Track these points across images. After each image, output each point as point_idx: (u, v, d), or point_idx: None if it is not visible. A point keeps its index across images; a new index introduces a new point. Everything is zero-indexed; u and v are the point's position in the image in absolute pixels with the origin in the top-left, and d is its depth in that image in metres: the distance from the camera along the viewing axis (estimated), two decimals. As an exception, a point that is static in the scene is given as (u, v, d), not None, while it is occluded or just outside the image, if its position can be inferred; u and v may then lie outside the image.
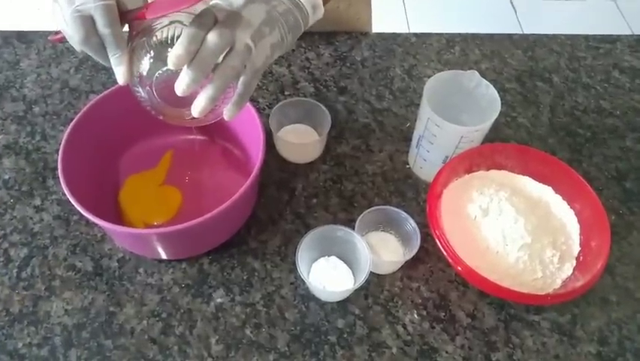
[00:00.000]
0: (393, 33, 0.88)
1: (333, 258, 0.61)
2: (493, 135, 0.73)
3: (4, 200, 0.66)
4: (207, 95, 0.46)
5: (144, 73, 0.48)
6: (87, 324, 0.57)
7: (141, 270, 0.61)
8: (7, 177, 0.68)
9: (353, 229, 0.59)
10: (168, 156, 0.70)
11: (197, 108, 0.46)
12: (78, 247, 0.63)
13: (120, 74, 0.46)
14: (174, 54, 0.43)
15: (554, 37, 0.90)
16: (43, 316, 0.58)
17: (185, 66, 0.44)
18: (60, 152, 0.56)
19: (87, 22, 0.44)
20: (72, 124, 0.59)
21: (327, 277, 0.59)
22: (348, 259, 0.61)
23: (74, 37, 0.45)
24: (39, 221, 0.65)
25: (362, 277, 0.55)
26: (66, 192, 0.54)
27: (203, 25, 0.45)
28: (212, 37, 0.44)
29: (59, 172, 0.55)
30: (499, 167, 0.65)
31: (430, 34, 0.88)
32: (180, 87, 0.45)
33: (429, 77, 0.63)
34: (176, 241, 0.59)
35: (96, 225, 0.64)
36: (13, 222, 0.64)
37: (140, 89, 0.49)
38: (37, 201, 0.66)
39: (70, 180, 0.55)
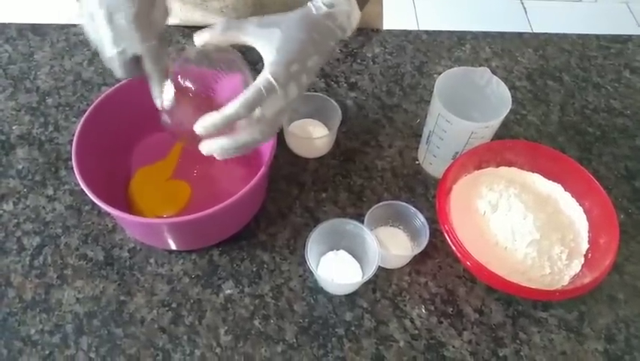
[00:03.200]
0: (404, 30, 0.89)
1: (342, 251, 0.61)
2: (503, 133, 0.73)
3: (17, 190, 0.67)
4: (221, 146, 0.49)
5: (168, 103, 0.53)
6: (98, 312, 0.58)
7: (152, 260, 0.62)
8: (20, 167, 0.69)
9: (362, 223, 0.59)
10: (178, 149, 0.71)
11: (206, 149, 0.50)
12: (90, 236, 0.63)
13: (159, 102, 0.52)
14: (207, 124, 0.48)
15: (565, 36, 0.89)
16: (55, 303, 0.59)
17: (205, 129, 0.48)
18: (74, 143, 0.57)
19: (132, 62, 0.50)
20: (85, 116, 0.60)
21: (336, 270, 0.60)
22: (357, 253, 0.61)
23: (117, 72, 0.51)
24: (52, 211, 0.65)
25: (370, 271, 0.56)
26: (80, 181, 0.54)
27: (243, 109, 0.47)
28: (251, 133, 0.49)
29: (73, 162, 0.56)
30: (509, 164, 0.65)
31: (440, 32, 0.88)
32: (206, 150, 0.50)
33: (439, 73, 0.64)
34: (186, 231, 0.59)
35: (108, 215, 0.65)
36: (26, 212, 0.65)
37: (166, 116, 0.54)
38: (50, 191, 0.67)
39: (84, 171, 0.55)
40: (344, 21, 0.53)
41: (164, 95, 0.52)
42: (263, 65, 0.49)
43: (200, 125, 0.48)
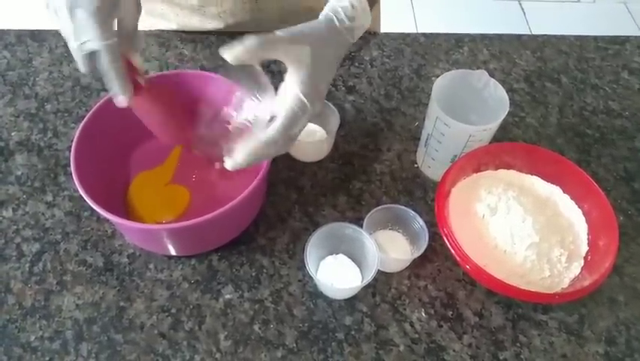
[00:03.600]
0: (402, 33, 0.89)
1: (341, 255, 0.61)
2: (502, 135, 0.73)
3: (16, 196, 0.67)
4: (248, 163, 0.50)
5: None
6: (98, 318, 0.58)
7: (151, 266, 0.62)
8: (19, 173, 0.69)
9: (361, 227, 0.59)
10: (176, 154, 0.71)
11: (231, 166, 0.51)
12: (89, 242, 0.64)
13: (120, 102, 0.51)
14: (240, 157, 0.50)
15: (563, 38, 0.90)
16: (54, 310, 0.58)
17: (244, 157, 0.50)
18: (73, 149, 0.57)
19: (93, 57, 0.49)
20: (84, 122, 0.60)
21: (335, 274, 0.60)
22: (356, 257, 0.61)
23: (80, 66, 0.50)
24: (51, 217, 0.65)
25: (370, 275, 0.56)
26: (79, 188, 0.54)
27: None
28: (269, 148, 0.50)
29: (72, 169, 0.56)
30: (508, 166, 0.65)
31: (438, 35, 0.89)
32: (231, 165, 0.51)
33: (437, 76, 0.64)
34: (185, 237, 0.59)
35: (107, 221, 0.65)
36: (26, 218, 0.65)
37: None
38: (49, 197, 0.67)
39: (83, 177, 0.56)
40: (359, 34, 0.55)
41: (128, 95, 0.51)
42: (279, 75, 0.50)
43: (244, 154, 0.50)
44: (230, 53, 0.46)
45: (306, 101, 0.49)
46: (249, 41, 0.46)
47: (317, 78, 0.50)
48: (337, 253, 0.62)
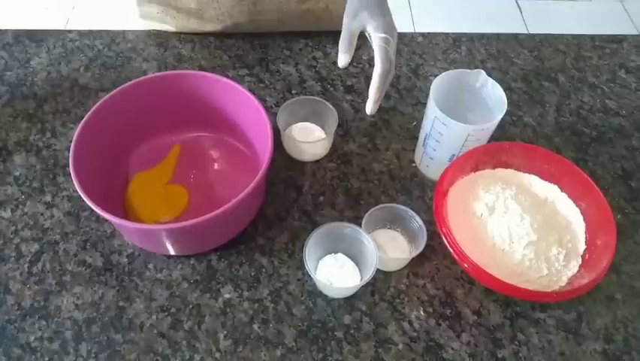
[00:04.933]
0: (400, 32, 0.88)
1: (340, 255, 0.62)
2: (499, 134, 0.73)
3: (15, 196, 0.67)
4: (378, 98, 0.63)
5: None
6: (97, 319, 0.58)
7: (150, 266, 0.62)
8: (18, 173, 0.69)
9: (360, 226, 0.60)
10: (175, 152, 0.71)
11: (372, 107, 0.63)
12: (88, 242, 0.64)
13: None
14: (374, 95, 0.62)
15: (560, 37, 0.90)
16: (54, 310, 0.59)
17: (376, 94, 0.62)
18: (71, 149, 0.57)
19: None
20: (83, 122, 0.60)
21: (334, 273, 0.60)
22: (355, 256, 0.61)
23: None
24: (50, 217, 0.65)
25: (369, 274, 0.56)
26: (78, 188, 0.54)
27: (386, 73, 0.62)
28: (389, 78, 0.64)
29: (71, 169, 0.56)
30: (506, 165, 0.65)
31: (436, 34, 0.89)
32: (371, 109, 0.63)
33: (435, 76, 0.64)
34: (185, 237, 0.60)
35: (106, 221, 0.65)
36: (25, 218, 0.65)
37: None
38: (48, 198, 0.67)
39: (81, 177, 0.56)
40: None
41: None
42: None
43: (374, 102, 0.63)
44: (342, 62, 0.63)
45: (384, 35, 0.62)
46: (342, 46, 0.63)
47: (379, 17, 0.63)
48: (336, 253, 0.62)
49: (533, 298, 0.58)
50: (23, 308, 0.59)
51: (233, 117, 0.69)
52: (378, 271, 0.61)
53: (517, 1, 2.22)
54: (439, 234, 0.57)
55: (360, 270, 0.61)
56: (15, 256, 0.62)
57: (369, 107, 0.63)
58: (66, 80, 0.80)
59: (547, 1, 2.22)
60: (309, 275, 0.59)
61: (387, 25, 0.63)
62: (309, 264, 0.56)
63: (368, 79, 0.81)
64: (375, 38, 0.62)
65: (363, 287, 0.60)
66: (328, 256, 0.61)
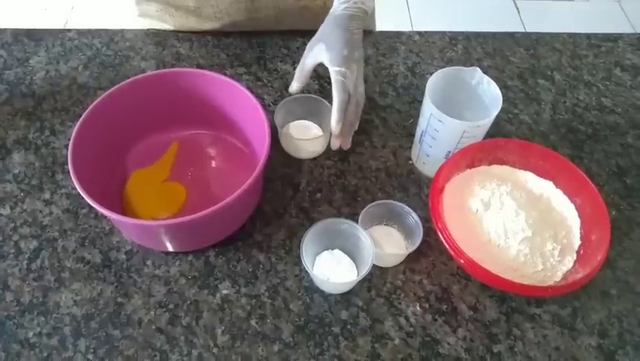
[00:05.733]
0: (397, 31, 0.89)
1: (337, 251, 0.62)
2: (495, 132, 0.74)
3: (14, 194, 0.68)
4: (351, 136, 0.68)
5: None
6: (96, 315, 0.59)
7: (149, 262, 0.62)
8: (17, 171, 0.70)
9: (356, 222, 0.60)
10: (173, 149, 0.71)
11: (347, 145, 0.68)
12: (87, 239, 0.64)
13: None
14: (335, 127, 0.64)
15: (556, 35, 0.90)
16: (52, 306, 0.59)
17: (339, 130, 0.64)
18: (70, 147, 0.58)
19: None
20: (81, 120, 0.60)
21: (331, 269, 0.60)
22: (352, 252, 0.62)
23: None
24: (48, 214, 0.66)
25: (365, 270, 0.56)
26: (76, 185, 0.55)
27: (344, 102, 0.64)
28: (352, 109, 0.65)
29: (69, 166, 0.56)
30: (501, 162, 0.65)
31: (433, 33, 0.89)
32: (335, 144, 0.67)
33: (432, 74, 0.64)
34: (182, 233, 0.60)
35: (104, 218, 0.65)
36: (23, 216, 0.66)
37: None
38: (47, 195, 0.67)
39: (80, 175, 0.56)
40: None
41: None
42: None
43: (335, 137, 0.66)
44: (293, 88, 0.70)
45: (337, 68, 0.64)
46: (296, 74, 0.69)
47: (335, 51, 0.64)
48: (333, 249, 0.62)
49: (528, 293, 0.58)
50: (22, 304, 0.59)
51: (230, 115, 0.69)
52: (374, 266, 0.62)
53: (514, 1, 2.22)
54: (435, 230, 0.57)
55: (356, 266, 0.61)
56: (14, 253, 0.63)
57: (333, 143, 0.66)
58: (65, 79, 0.80)
59: (545, 1, 2.23)
60: (307, 271, 0.59)
61: (343, 58, 0.64)
62: (306, 260, 0.57)
63: (365, 77, 0.81)
64: (331, 72, 0.64)
65: (360, 283, 0.61)
66: (325, 252, 0.62)
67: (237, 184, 0.56)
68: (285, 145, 0.72)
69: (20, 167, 0.70)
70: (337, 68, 0.64)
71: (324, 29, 0.68)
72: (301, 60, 0.69)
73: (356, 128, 0.68)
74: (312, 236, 0.59)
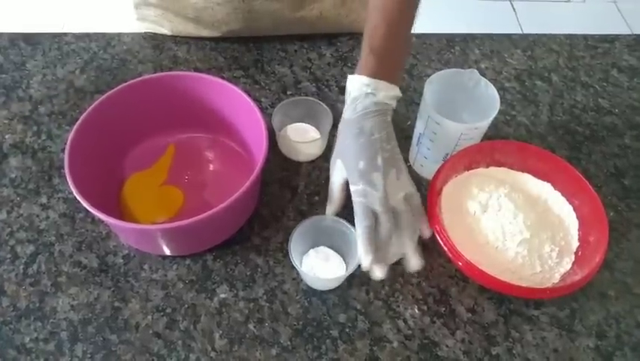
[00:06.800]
0: (394, 33, 0.89)
1: (324, 248, 0.62)
2: (493, 134, 0.74)
3: (10, 198, 0.67)
4: (413, 254, 0.55)
5: None
6: (93, 319, 0.58)
7: (146, 266, 0.62)
8: (13, 175, 0.69)
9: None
10: (170, 153, 0.71)
11: (413, 266, 0.55)
12: (84, 244, 0.64)
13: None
14: (364, 260, 0.53)
15: (553, 36, 0.90)
16: (49, 311, 0.59)
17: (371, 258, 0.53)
18: (67, 151, 0.57)
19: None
20: (78, 124, 0.60)
21: (320, 266, 0.60)
22: (340, 248, 0.62)
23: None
24: (45, 219, 0.66)
25: (354, 264, 0.56)
26: (73, 189, 0.54)
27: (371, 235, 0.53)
28: (385, 229, 0.53)
29: (66, 171, 0.56)
30: (499, 164, 0.65)
31: (430, 35, 0.89)
32: (377, 276, 0.54)
33: (429, 76, 0.64)
34: (180, 237, 0.60)
35: (101, 222, 0.65)
36: (20, 220, 0.65)
37: None
38: (44, 199, 0.67)
39: (77, 179, 0.56)
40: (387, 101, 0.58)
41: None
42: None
43: (366, 267, 0.53)
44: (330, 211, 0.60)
45: (352, 187, 0.55)
46: (329, 209, 0.60)
47: (350, 169, 0.56)
48: (319, 246, 0.62)
49: (526, 295, 0.58)
50: (19, 309, 0.59)
51: (228, 118, 0.69)
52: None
53: (511, 2, 2.23)
54: (433, 232, 0.57)
55: (345, 261, 0.61)
56: (10, 258, 0.62)
57: (375, 273, 0.54)
58: (62, 83, 0.80)
59: (542, 2, 2.23)
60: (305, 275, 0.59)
61: (359, 173, 0.54)
62: (295, 259, 0.57)
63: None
64: (351, 192, 0.55)
65: (358, 286, 0.61)
66: (312, 251, 0.62)
67: (235, 187, 0.55)
68: (283, 148, 0.72)
69: (17, 171, 0.70)
70: (354, 188, 0.55)
71: (338, 143, 0.59)
72: (330, 180, 0.60)
73: (414, 245, 0.55)
74: (298, 236, 0.59)
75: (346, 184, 0.57)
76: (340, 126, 0.60)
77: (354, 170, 0.55)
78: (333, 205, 0.60)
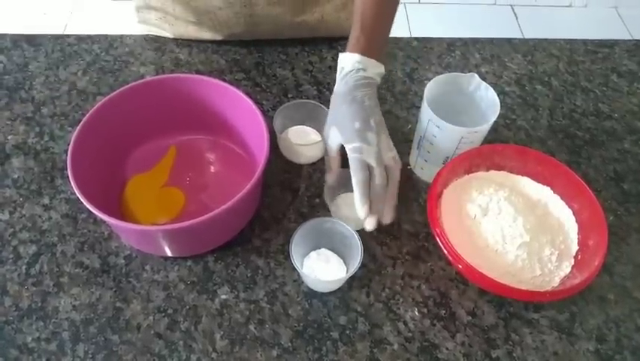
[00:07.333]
0: (395, 37, 0.90)
1: (325, 250, 0.62)
2: (493, 137, 0.74)
3: (13, 199, 0.68)
4: (392, 208, 0.59)
5: None
6: (94, 320, 0.59)
7: (147, 267, 0.62)
8: (16, 176, 0.70)
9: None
10: (172, 155, 0.72)
11: (387, 219, 0.59)
12: (86, 244, 0.64)
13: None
14: (360, 211, 0.57)
15: (554, 41, 0.91)
16: (51, 311, 0.59)
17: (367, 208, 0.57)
18: (69, 152, 0.58)
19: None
20: (80, 125, 0.60)
21: (321, 268, 0.61)
22: (340, 250, 0.62)
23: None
24: (48, 219, 0.66)
25: (355, 266, 0.57)
26: (75, 190, 0.55)
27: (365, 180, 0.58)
28: (378, 184, 0.58)
29: (69, 171, 0.56)
30: (499, 167, 0.66)
31: (431, 39, 0.90)
32: (370, 226, 0.57)
33: (430, 80, 0.65)
34: (181, 238, 0.60)
35: (103, 223, 0.65)
36: (23, 221, 0.66)
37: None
38: (46, 200, 0.68)
39: (79, 180, 0.56)
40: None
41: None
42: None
43: (363, 217, 0.57)
44: (329, 179, 0.64)
45: (350, 145, 0.59)
46: (329, 177, 0.64)
47: (347, 129, 0.60)
48: (320, 248, 0.62)
49: (526, 299, 0.59)
50: (21, 309, 0.59)
51: (229, 120, 0.69)
52: (373, 271, 0.62)
53: (512, 7, 2.24)
54: (434, 235, 0.57)
55: (346, 263, 0.61)
56: (13, 258, 0.63)
57: (367, 223, 0.58)
58: (64, 84, 0.80)
59: (543, 7, 2.24)
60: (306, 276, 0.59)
61: (356, 132, 0.59)
62: (296, 262, 0.57)
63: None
64: (347, 151, 0.60)
65: (359, 288, 0.61)
66: (313, 252, 0.62)
67: (236, 189, 0.56)
68: (284, 150, 0.73)
69: (19, 172, 0.70)
70: (351, 145, 0.59)
71: (331, 112, 0.64)
72: (326, 148, 0.64)
73: (395, 201, 0.60)
74: (298, 239, 0.59)
75: (342, 150, 0.61)
76: (333, 98, 0.64)
77: (351, 130, 0.59)
78: (332, 172, 0.63)
